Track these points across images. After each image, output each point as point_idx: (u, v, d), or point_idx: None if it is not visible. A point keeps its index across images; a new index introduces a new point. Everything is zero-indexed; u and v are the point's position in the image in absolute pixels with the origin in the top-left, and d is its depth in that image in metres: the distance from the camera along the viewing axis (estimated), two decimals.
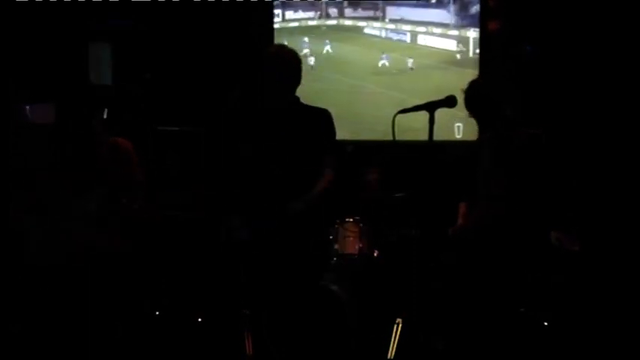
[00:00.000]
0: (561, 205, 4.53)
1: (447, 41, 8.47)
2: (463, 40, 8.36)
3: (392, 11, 8.91)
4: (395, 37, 8.64)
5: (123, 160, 4.59)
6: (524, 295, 4.29)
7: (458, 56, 8.31)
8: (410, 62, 8.80)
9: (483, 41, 7.79)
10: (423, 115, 3.75)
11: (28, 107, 5.96)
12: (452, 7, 8.77)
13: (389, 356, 4.62)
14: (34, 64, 6.22)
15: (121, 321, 4.52)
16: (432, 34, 8.52)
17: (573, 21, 6.70)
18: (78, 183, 4.50)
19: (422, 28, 8.59)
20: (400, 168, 5.74)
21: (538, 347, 4.44)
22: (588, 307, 5.00)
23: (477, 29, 8.57)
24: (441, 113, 3.57)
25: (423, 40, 8.54)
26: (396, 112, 3.51)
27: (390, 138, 3.56)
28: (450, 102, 3.61)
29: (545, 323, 4.56)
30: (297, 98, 4.04)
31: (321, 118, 4.00)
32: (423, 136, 3.69)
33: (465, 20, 8.39)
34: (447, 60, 8.41)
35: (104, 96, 5.12)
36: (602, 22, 6.68)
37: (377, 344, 4.77)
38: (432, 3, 8.86)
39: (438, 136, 3.61)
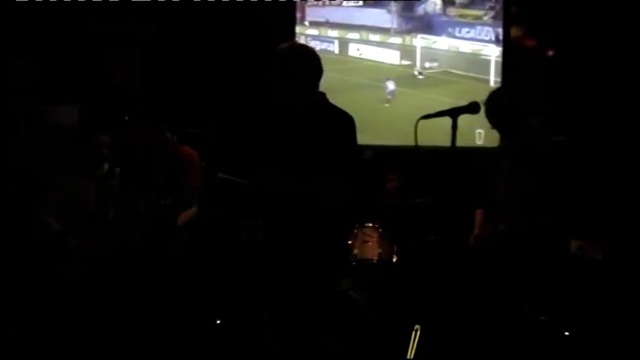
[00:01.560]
0: (583, 212, 4.63)
1: (387, 52, 7.03)
2: (407, 51, 6.97)
3: (313, 12, 7.10)
4: (318, 46, 6.99)
5: (182, 167, 4.92)
6: (543, 302, 4.29)
7: (409, 72, 6.98)
8: (391, 85, 6.92)
9: (506, 47, 6.72)
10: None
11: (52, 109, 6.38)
12: (393, 6, 6.96)
13: None
14: (57, 67, 6.53)
15: (137, 321, 4.74)
16: (368, 42, 7.06)
17: (598, 27, 6.33)
18: (130, 185, 4.97)
19: (353, 34, 7.12)
20: (421, 173, 5.92)
21: (558, 356, 4.49)
22: (609, 315, 4.99)
23: (426, 36, 6.94)
24: (461, 119, 3.49)
25: (355, 50, 7.10)
26: (419, 117, 3.48)
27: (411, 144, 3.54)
28: (472, 108, 3.55)
29: (566, 333, 4.64)
30: (324, 95, 3.79)
31: (340, 126, 3.70)
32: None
33: (409, 24, 6.97)
34: (387, 77, 7.01)
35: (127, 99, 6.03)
36: (629, 28, 6.34)
37: (395, 350, 4.84)
38: (367, 1, 7.02)
39: (458, 141, 3.50)
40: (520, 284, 4.12)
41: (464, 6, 6.80)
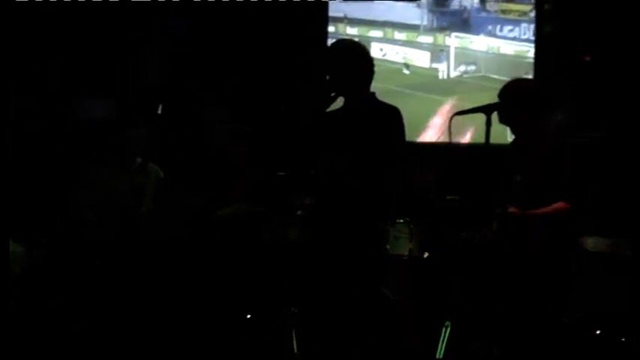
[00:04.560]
0: (612, 209, 5.02)
1: (417, 52, 6.32)
2: (438, 52, 6.27)
3: (330, 6, 6.42)
4: None
5: (230, 164, 5.06)
6: (568, 304, 4.33)
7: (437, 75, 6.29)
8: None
9: (539, 46, 6.13)
10: None
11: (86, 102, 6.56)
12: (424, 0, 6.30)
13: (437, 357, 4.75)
14: (91, 61, 6.59)
15: (169, 314, 4.80)
16: (394, 41, 6.36)
17: (632, 25, 6.07)
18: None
19: (377, 32, 6.41)
20: (454, 170, 5.91)
21: (589, 356, 4.56)
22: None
23: (461, 35, 6.21)
24: (493, 115, 3.71)
25: (378, 50, 6.33)
26: (452, 113, 3.71)
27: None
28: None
29: (598, 332, 4.65)
30: (373, 94, 4.05)
31: (388, 119, 3.96)
32: None
33: (442, 20, 6.27)
34: (415, 82, 6.32)
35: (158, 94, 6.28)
36: None
37: (426, 347, 4.82)
38: None
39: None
40: (540, 283, 4.13)
41: None
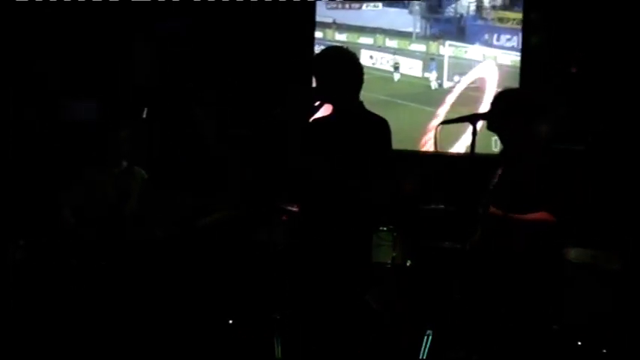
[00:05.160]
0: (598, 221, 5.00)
1: (408, 61, 6.04)
2: (429, 61, 6.01)
3: (319, 10, 6.16)
4: None
5: (219, 169, 5.03)
6: (557, 313, 4.26)
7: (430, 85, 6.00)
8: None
9: (526, 57, 5.94)
10: None
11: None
12: (416, 6, 5.98)
13: None
14: (79, 63, 6.62)
15: (145, 318, 4.80)
16: (384, 49, 6.09)
17: (619, 37, 5.91)
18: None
19: (367, 39, 6.14)
20: (438, 179, 5.86)
21: None
22: (626, 326, 4.88)
23: (456, 43, 5.92)
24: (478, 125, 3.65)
25: (368, 58, 6.08)
26: (439, 122, 3.71)
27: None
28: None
29: (579, 343, 4.69)
30: (362, 103, 3.99)
31: (377, 130, 3.90)
32: None
33: (436, 27, 5.99)
34: (406, 92, 6.02)
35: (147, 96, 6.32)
36: None
37: (408, 354, 4.94)
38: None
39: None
40: (524, 292, 4.02)
41: (504, 7, 5.72)
